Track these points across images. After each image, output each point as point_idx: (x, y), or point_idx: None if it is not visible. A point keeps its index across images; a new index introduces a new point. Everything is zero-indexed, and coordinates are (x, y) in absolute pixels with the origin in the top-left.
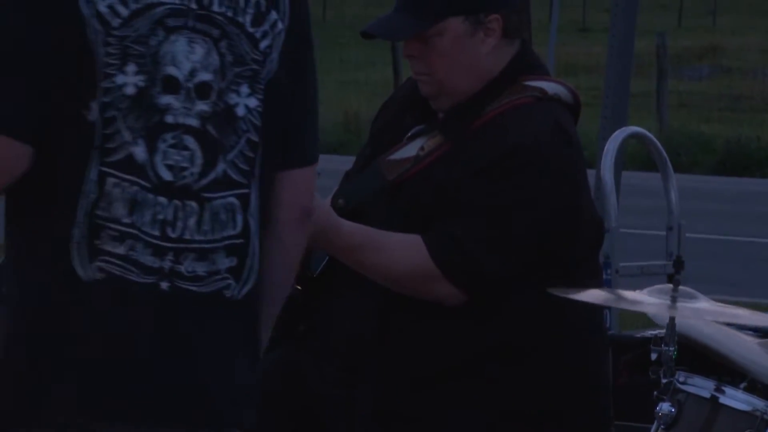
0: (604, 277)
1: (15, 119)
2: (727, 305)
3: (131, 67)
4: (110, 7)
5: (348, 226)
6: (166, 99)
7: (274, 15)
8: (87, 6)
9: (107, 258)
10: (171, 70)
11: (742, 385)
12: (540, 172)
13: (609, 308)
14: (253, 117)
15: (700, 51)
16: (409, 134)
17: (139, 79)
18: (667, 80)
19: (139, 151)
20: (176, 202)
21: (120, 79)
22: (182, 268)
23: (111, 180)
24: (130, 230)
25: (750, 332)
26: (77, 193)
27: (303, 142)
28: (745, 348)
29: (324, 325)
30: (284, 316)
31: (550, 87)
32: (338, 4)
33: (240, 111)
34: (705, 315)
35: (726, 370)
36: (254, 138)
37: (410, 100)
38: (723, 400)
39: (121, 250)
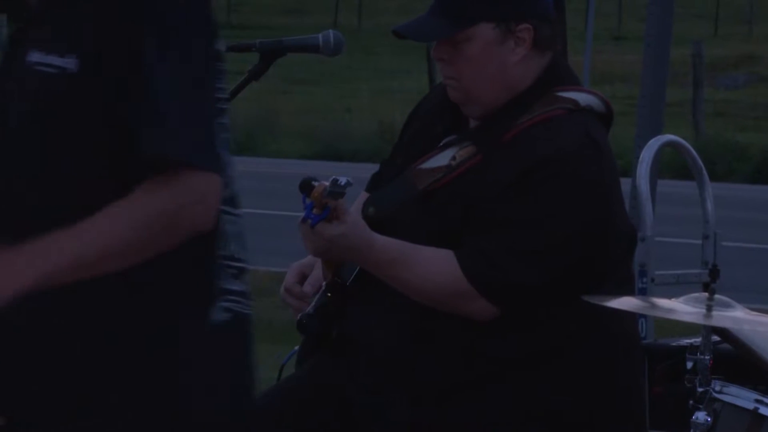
0: (640, 285)
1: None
2: (762, 314)
3: None
4: None
5: (381, 240)
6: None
7: None
8: None
9: (230, 297)
10: None
11: None
12: (570, 183)
13: (645, 316)
14: None
15: (736, 59)
16: (442, 143)
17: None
18: (703, 89)
19: (232, 180)
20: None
21: None
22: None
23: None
24: (240, 264)
25: None
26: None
27: None
28: None
29: (356, 333)
30: (318, 324)
31: (582, 98)
32: (373, 13)
33: None
34: (741, 324)
35: (763, 379)
36: None
37: (441, 107)
38: (760, 409)
39: (239, 286)
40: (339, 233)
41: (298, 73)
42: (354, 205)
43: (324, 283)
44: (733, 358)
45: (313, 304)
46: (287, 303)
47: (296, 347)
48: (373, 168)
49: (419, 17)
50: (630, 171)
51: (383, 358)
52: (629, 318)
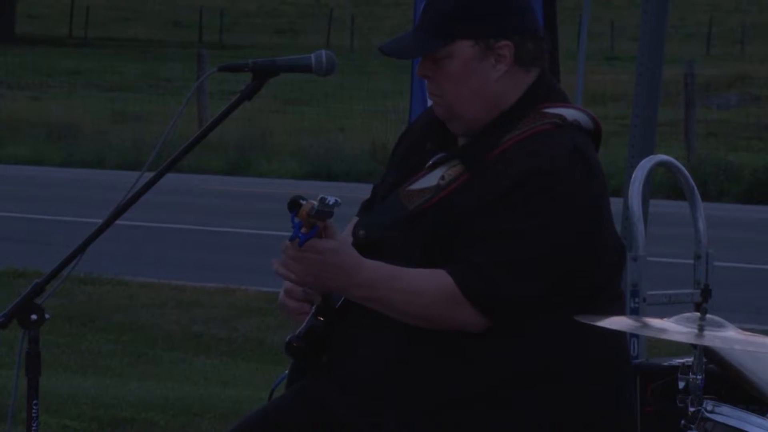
0: (632, 305)
1: None
2: (754, 334)
3: None
4: None
5: (369, 261)
6: None
7: None
8: None
9: None
10: None
11: None
12: (559, 196)
13: (637, 336)
14: None
15: (728, 79)
16: (430, 162)
17: None
18: (695, 109)
19: None
20: None
21: None
22: None
23: None
24: None
25: None
26: None
27: None
28: None
29: (347, 355)
30: (307, 347)
31: (569, 113)
32: (366, 33)
33: None
34: (732, 343)
35: (754, 398)
36: None
37: (431, 126)
38: (750, 429)
39: None
40: (330, 248)
41: (290, 93)
42: (345, 230)
43: (313, 307)
44: (726, 377)
45: (302, 327)
46: (286, 307)
47: (286, 371)
48: (365, 187)
49: (403, 35)
50: (622, 191)
51: (373, 379)
52: (619, 336)
